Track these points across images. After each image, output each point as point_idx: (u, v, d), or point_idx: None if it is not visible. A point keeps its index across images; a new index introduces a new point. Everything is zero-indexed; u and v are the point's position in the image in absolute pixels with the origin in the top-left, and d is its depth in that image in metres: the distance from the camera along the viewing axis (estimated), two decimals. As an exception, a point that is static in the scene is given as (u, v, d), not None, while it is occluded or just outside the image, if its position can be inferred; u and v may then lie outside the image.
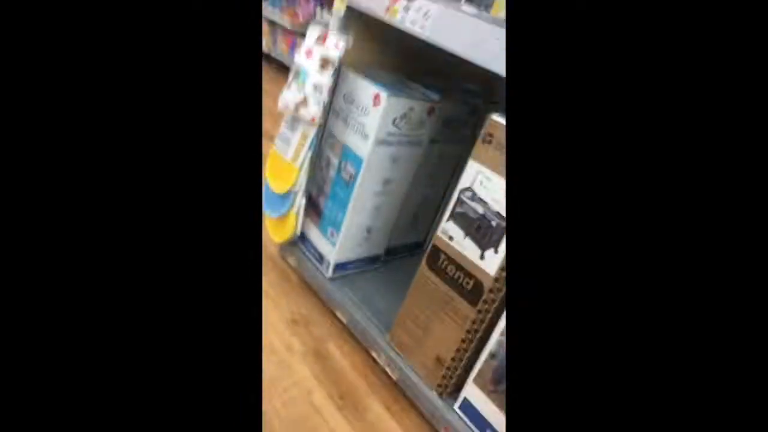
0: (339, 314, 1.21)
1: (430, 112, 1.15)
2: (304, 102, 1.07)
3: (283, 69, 3.30)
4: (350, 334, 1.22)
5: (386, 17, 0.93)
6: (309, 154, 1.15)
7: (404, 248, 1.46)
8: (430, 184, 1.35)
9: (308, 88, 1.05)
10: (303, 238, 1.32)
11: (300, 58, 1.06)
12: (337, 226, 1.20)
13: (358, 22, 1.09)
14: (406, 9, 0.88)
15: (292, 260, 1.34)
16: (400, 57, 1.26)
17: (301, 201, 1.23)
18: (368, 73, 1.12)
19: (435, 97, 1.14)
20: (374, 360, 1.15)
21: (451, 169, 1.43)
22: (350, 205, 1.15)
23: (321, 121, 1.09)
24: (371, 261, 1.35)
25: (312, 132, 1.13)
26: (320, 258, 1.27)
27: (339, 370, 1.12)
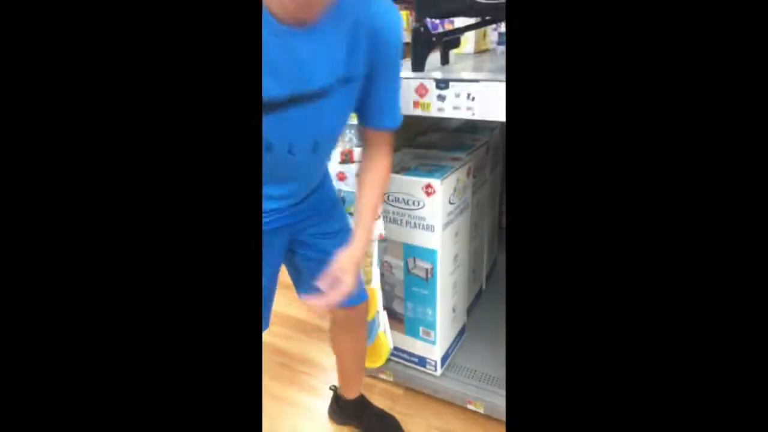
0: (473, 407, 1.12)
1: (469, 173, 1.11)
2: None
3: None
4: (496, 420, 1.13)
5: (416, 112, 0.88)
6: (378, 271, 1.06)
7: (472, 303, 1.40)
8: (476, 233, 1.31)
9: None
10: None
11: (337, 185, 0.98)
12: (429, 324, 1.12)
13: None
14: (442, 98, 0.83)
15: (386, 377, 1.23)
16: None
17: (384, 317, 1.14)
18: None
19: (463, 155, 1.11)
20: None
21: (487, 212, 1.40)
22: (438, 298, 1.08)
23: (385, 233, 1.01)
24: (460, 334, 1.28)
25: (375, 248, 1.04)
26: (422, 361, 1.18)
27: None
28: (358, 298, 0.91)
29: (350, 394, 1.08)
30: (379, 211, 0.91)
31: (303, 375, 1.32)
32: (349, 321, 0.96)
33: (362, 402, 1.09)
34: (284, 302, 1.54)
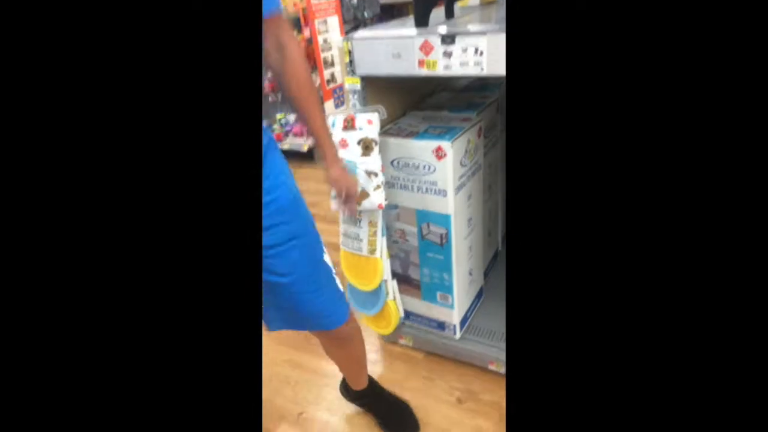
0: (495, 368, 1.13)
1: (480, 133, 1.07)
2: (363, 194, 0.96)
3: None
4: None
5: (422, 72, 0.84)
6: (384, 240, 1.05)
7: (489, 265, 1.39)
8: (489, 196, 1.28)
9: (362, 178, 0.94)
10: (406, 316, 1.22)
11: (340, 153, 0.95)
12: (446, 288, 1.11)
13: (373, 89, 0.99)
14: (448, 55, 0.79)
15: (406, 342, 1.24)
16: (395, 96, 1.17)
17: (393, 285, 1.13)
18: (398, 130, 1.03)
19: (472, 115, 1.07)
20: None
21: (500, 172, 1.37)
22: (454, 263, 1.06)
23: (386, 202, 0.99)
24: (478, 297, 1.27)
25: (379, 218, 1.02)
26: (441, 325, 1.18)
27: None
28: (334, 323, 0.84)
29: (357, 387, 1.05)
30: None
31: (324, 344, 1.34)
32: (338, 340, 0.92)
33: (371, 390, 1.07)
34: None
